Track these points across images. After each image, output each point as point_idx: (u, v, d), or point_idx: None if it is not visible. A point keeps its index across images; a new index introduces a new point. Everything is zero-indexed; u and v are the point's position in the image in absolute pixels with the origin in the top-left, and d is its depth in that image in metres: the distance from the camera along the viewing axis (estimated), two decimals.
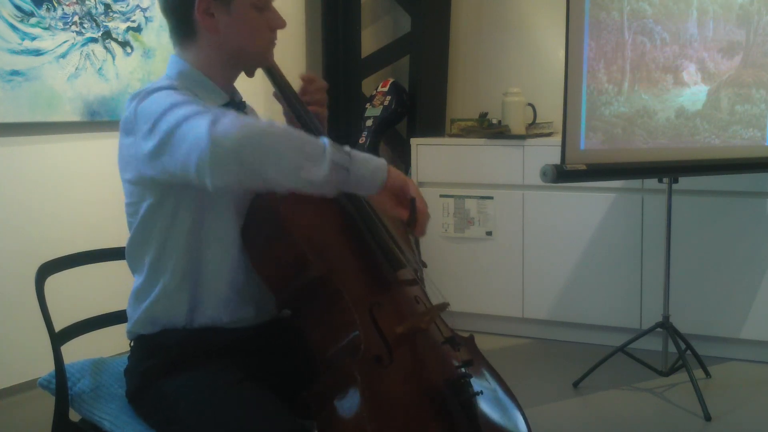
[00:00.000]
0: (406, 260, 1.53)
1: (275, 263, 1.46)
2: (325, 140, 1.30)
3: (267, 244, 1.47)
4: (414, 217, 1.42)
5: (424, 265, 1.54)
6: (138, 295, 1.51)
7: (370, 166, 1.35)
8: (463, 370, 1.43)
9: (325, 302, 1.42)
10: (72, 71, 3.05)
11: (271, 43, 1.55)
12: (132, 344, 1.55)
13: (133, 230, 1.49)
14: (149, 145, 1.31)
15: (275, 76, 1.61)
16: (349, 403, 1.28)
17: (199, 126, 1.23)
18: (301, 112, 1.60)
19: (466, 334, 1.61)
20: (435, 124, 4.08)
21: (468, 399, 1.36)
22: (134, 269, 1.53)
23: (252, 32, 1.49)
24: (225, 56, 1.50)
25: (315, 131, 1.55)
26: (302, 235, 1.42)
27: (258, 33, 1.50)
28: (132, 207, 1.48)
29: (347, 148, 1.33)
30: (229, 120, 1.23)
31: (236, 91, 1.60)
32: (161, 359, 1.47)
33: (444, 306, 1.53)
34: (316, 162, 1.26)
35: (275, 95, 1.65)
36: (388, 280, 1.51)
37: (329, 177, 1.28)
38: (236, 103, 1.56)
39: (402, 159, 4.20)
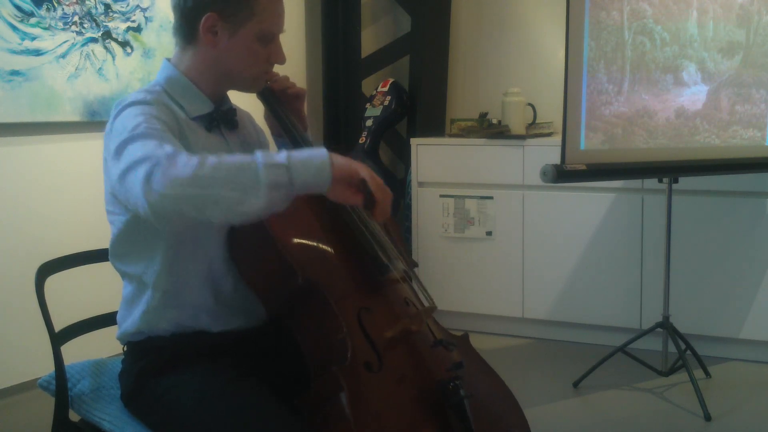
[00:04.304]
0: (393, 264, 1.52)
1: (262, 273, 1.46)
2: (259, 159, 1.24)
3: (253, 255, 1.47)
4: (371, 199, 1.34)
5: (415, 265, 1.52)
6: (126, 303, 1.53)
7: (312, 168, 1.27)
8: (454, 372, 1.41)
9: (312, 310, 1.42)
10: (72, 71, 3.05)
11: (265, 74, 1.55)
12: (125, 348, 1.55)
13: (113, 240, 1.50)
14: (117, 170, 1.29)
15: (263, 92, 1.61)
16: (338, 411, 1.28)
17: (137, 182, 1.23)
18: (287, 122, 1.60)
19: (461, 333, 1.61)
20: (435, 124, 4.08)
21: (458, 402, 1.35)
22: (121, 274, 1.54)
23: (248, 61, 1.50)
24: (216, 73, 1.52)
25: (300, 138, 1.57)
26: (288, 244, 1.42)
27: (254, 63, 1.51)
28: (111, 215, 1.49)
29: (282, 156, 1.26)
30: (161, 176, 1.20)
31: (226, 98, 1.60)
32: (154, 359, 1.47)
33: (431, 309, 1.52)
34: (252, 192, 1.22)
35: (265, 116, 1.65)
36: (377, 285, 1.50)
37: (270, 200, 1.23)
38: (223, 112, 1.56)
39: (402, 159, 4.21)
